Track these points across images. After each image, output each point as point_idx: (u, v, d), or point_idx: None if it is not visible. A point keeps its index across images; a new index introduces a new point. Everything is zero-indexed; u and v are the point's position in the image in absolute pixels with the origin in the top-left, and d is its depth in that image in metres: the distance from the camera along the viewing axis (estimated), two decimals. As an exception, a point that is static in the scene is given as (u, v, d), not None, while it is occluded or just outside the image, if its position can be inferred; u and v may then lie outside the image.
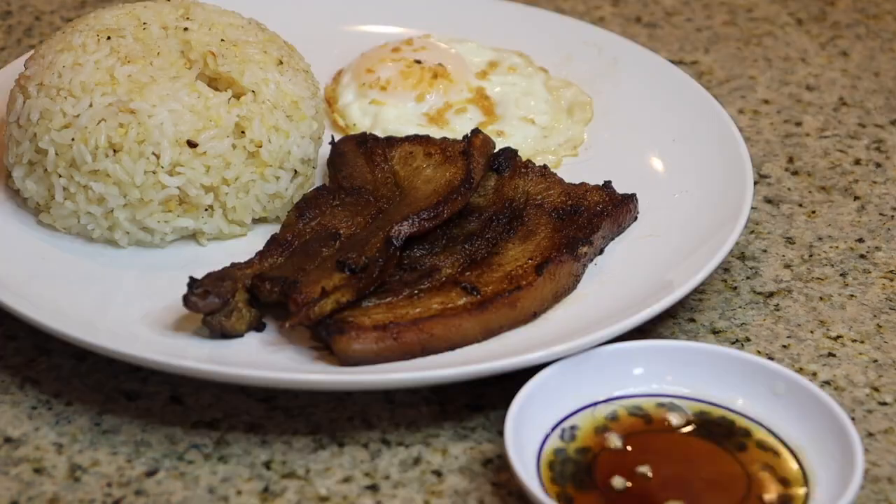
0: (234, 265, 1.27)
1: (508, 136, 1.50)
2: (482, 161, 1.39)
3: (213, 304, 1.22)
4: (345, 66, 1.60)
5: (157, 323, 1.25)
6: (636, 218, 1.38)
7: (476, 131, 1.42)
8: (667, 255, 1.33)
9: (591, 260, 1.33)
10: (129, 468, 1.16)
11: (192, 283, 1.23)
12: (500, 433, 1.19)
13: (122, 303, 1.29)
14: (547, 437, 1.15)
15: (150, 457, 1.17)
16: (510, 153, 1.41)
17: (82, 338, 1.20)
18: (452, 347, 1.23)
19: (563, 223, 1.33)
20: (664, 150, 1.48)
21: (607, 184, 1.38)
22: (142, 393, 1.23)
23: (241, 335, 1.24)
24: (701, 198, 1.40)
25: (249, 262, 1.28)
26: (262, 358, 1.22)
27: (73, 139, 1.33)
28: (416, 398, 1.23)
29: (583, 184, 1.38)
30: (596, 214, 1.34)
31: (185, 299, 1.22)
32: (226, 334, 1.23)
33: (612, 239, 1.36)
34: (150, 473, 1.16)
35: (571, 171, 1.42)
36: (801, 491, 1.12)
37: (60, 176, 1.33)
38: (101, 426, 1.20)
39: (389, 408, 1.22)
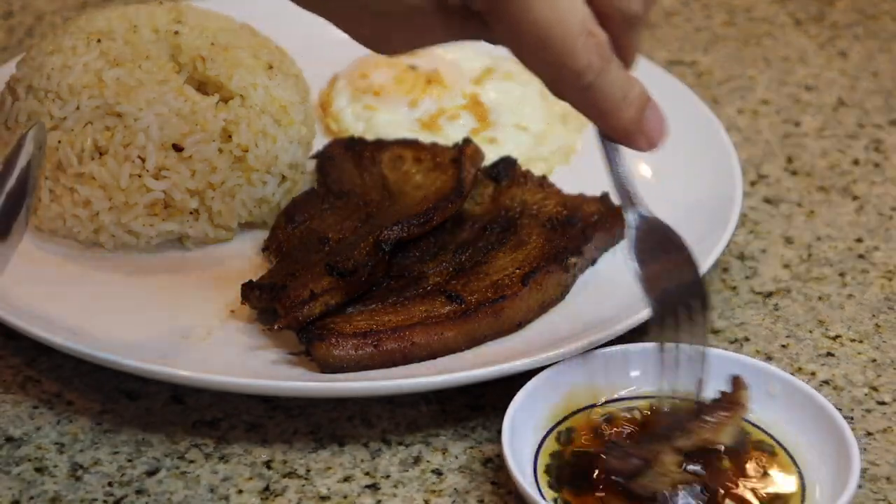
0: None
1: (501, 143, 1.50)
2: (472, 171, 1.38)
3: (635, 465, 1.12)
4: (340, 71, 1.60)
5: (144, 328, 1.25)
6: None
7: (467, 141, 1.42)
8: None
9: (583, 271, 1.33)
10: (130, 467, 1.17)
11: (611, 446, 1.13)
12: (500, 433, 1.19)
13: (108, 307, 1.28)
14: (543, 440, 1.16)
15: (151, 456, 1.18)
16: (510, 162, 1.41)
17: (65, 344, 1.20)
18: (434, 356, 1.22)
19: (555, 233, 1.33)
20: (656, 159, 1.47)
21: (605, 195, 1.38)
22: (143, 393, 1.23)
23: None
24: (692, 206, 1.39)
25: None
26: (248, 363, 1.22)
27: (59, 141, 1.33)
28: (416, 398, 1.23)
29: (580, 195, 1.38)
30: (590, 225, 1.34)
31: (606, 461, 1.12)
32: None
33: (607, 250, 1.35)
34: (152, 473, 1.16)
35: (562, 180, 1.42)
36: (797, 491, 1.12)
37: (47, 178, 1.33)
38: (103, 426, 1.20)
39: (390, 407, 1.23)
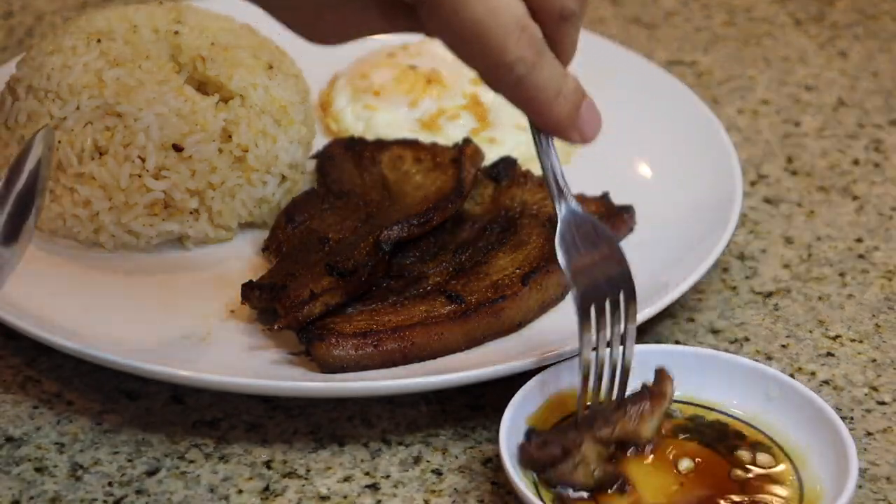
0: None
1: (501, 142, 1.50)
2: (472, 171, 1.39)
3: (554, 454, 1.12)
4: (340, 71, 1.60)
5: (144, 328, 1.26)
6: (632, 229, 1.38)
7: (467, 141, 1.42)
8: (658, 262, 1.33)
9: None
10: (130, 467, 1.17)
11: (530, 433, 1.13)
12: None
13: (108, 307, 1.28)
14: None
15: (151, 456, 1.18)
16: (510, 162, 1.41)
17: (66, 343, 1.20)
18: (434, 356, 1.23)
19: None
20: (657, 159, 1.48)
21: (605, 195, 1.38)
22: (143, 392, 1.23)
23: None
24: (692, 206, 1.39)
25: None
26: (248, 363, 1.22)
27: (59, 141, 1.33)
28: (416, 398, 1.23)
29: (580, 195, 1.38)
30: None
31: (521, 448, 1.12)
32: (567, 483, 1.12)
33: None
34: (152, 473, 1.16)
35: (563, 180, 1.42)
36: (796, 492, 1.12)
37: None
38: (103, 426, 1.20)
39: (389, 407, 1.23)
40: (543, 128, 1.12)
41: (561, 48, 1.08)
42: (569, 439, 1.11)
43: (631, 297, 1.14)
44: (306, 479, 1.16)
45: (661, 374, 1.15)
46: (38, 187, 1.10)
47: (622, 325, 1.14)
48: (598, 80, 1.60)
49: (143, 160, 1.32)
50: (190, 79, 1.39)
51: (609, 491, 1.10)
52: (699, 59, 1.75)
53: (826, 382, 1.27)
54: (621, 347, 1.14)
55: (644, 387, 1.15)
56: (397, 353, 1.22)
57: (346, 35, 1.10)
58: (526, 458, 1.11)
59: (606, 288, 1.14)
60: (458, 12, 1.02)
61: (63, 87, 1.34)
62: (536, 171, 1.43)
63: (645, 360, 1.19)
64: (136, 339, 1.23)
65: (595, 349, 1.13)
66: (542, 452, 1.11)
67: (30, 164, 1.09)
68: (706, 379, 1.19)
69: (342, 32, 1.09)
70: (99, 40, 1.37)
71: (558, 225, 1.16)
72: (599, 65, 1.61)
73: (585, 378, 1.13)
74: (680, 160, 1.47)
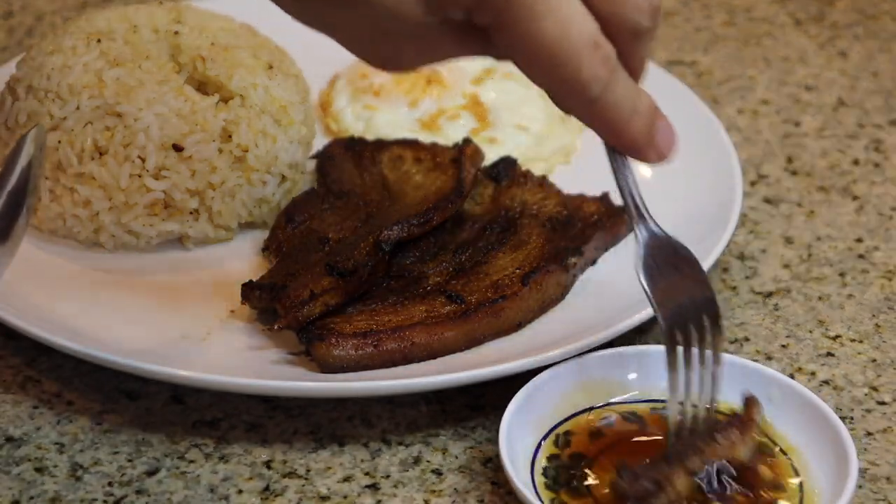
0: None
1: (501, 143, 1.50)
2: (472, 171, 1.39)
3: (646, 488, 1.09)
4: (340, 71, 1.60)
5: (144, 328, 1.26)
6: (632, 229, 1.37)
7: (467, 141, 1.42)
8: None
9: (583, 270, 1.33)
10: (130, 467, 1.17)
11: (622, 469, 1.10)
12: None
13: (108, 307, 1.28)
14: (541, 442, 1.15)
15: (151, 456, 1.18)
16: (510, 162, 1.41)
17: (66, 343, 1.20)
18: (434, 356, 1.23)
19: (555, 233, 1.33)
20: None
21: (605, 195, 1.38)
22: (143, 392, 1.23)
23: None
24: (692, 206, 1.39)
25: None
26: (248, 363, 1.22)
27: (59, 141, 1.33)
28: (416, 398, 1.23)
29: (580, 195, 1.38)
30: (589, 225, 1.34)
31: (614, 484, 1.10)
32: None
33: (607, 250, 1.35)
34: (152, 473, 1.16)
35: (564, 179, 1.42)
36: (795, 494, 1.12)
37: (47, 178, 1.33)
38: (103, 426, 1.20)
39: (389, 407, 1.23)
40: (619, 147, 1.08)
41: (633, 65, 1.05)
42: (661, 473, 1.09)
43: (716, 321, 1.12)
44: (306, 479, 1.16)
45: (749, 401, 1.14)
46: (30, 186, 1.09)
47: (707, 351, 1.11)
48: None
49: (143, 160, 1.32)
50: (190, 79, 1.39)
51: None
52: (699, 59, 1.75)
53: (826, 382, 1.27)
54: (709, 375, 1.12)
55: (733, 414, 1.14)
56: (397, 353, 1.22)
57: (421, 62, 1.06)
58: (619, 493, 1.09)
59: (692, 312, 1.11)
60: (530, 33, 0.99)
61: (63, 87, 1.34)
62: (536, 171, 1.43)
63: (646, 360, 1.20)
64: (136, 339, 1.24)
65: (683, 380, 1.11)
66: (635, 487, 1.09)
67: (21, 163, 1.08)
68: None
69: (415, 59, 1.06)
70: (99, 40, 1.37)
71: (639, 249, 1.13)
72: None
73: (675, 409, 1.11)
74: (680, 160, 1.46)
